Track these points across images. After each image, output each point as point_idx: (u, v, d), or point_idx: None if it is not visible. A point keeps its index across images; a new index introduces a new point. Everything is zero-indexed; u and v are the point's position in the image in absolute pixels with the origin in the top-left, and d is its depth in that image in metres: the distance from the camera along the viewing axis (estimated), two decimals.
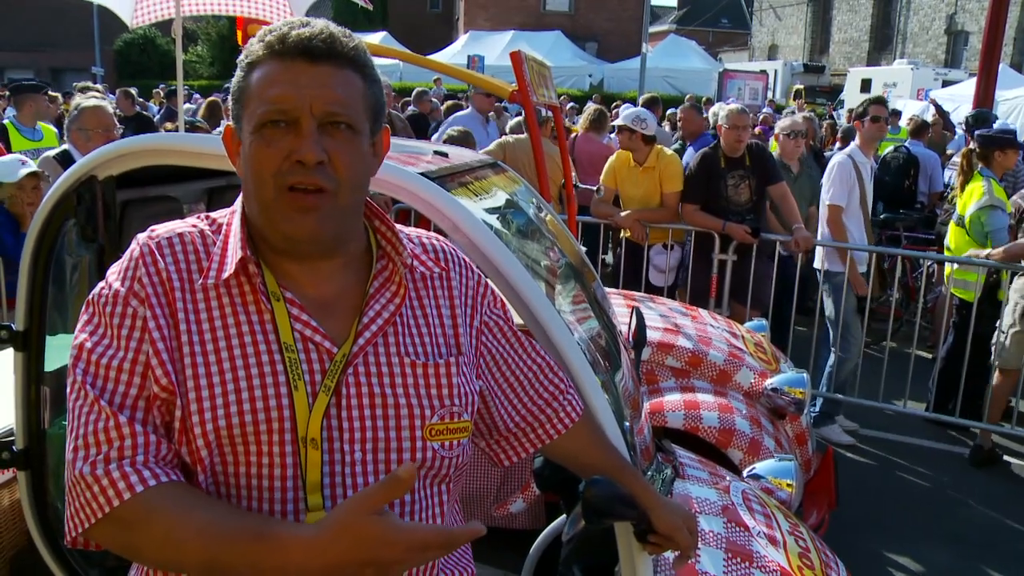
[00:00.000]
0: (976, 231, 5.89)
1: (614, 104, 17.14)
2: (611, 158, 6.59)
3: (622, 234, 6.67)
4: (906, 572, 4.38)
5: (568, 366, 1.83)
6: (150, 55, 34.26)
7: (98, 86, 12.36)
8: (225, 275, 1.33)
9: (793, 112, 11.93)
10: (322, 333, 1.34)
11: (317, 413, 1.31)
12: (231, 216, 1.42)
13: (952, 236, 6.18)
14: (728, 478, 2.79)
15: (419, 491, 1.41)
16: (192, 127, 5.00)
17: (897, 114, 15.07)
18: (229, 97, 1.40)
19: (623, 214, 6.38)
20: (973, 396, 6.14)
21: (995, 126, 7.84)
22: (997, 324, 5.77)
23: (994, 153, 6.06)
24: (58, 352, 2.25)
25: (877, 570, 4.36)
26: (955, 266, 6.06)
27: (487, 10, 36.86)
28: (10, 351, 2.22)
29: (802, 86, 30.97)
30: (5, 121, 6.72)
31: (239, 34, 3.71)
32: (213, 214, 1.46)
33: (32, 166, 4.67)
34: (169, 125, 8.57)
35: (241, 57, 1.37)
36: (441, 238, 1.59)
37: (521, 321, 1.82)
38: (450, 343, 1.47)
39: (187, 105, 14.94)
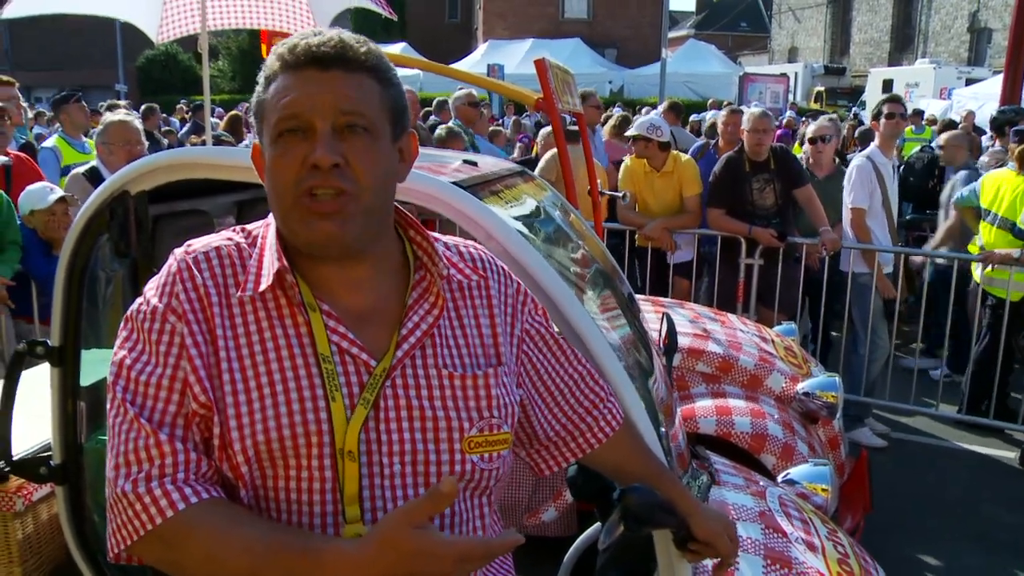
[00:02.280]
0: None
1: (636, 110, 17.13)
2: (626, 164, 6.57)
3: (637, 242, 6.62)
4: None
5: (605, 373, 1.82)
6: (172, 71, 34.60)
7: (121, 102, 12.49)
8: (262, 287, 1.33)
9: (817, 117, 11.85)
10: (359, 345, 1.34)
11: (355, 425, 1.30)
12: (265, 228, 1.43)
13: (991, 237, 6.06)
14: (763, 484, 2.77)
15: (459, 504, 1.40)
16: (218, 141, 5.03)
17: (920, 114, 14.96)
18: (251, 114, 1.40)
19: (650, 225, 6.35)
20: (1003, 397, 6.07)
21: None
22: None
23: None
24: (93, 367, 2.27)
25: (912, 574, 4.30)
26: (991, 266, 5.97)
27: (505, 19, 36.96)
28: (46, 367, 2.24)
29: (823, 88, 30.91)
30: (55, 137, 6.72)
31: (263, 47, 3.73)
32: (249, 226, 1.46)
33: (59, 192, 4.72)
34: (195, 139, 8.64)
35: (260, 73, 1.37)
36: (478, 246, 1.58)
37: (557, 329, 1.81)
38: (489, 353, 1.46)
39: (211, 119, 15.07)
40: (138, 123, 4.63)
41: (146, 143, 4.69)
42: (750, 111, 6.26)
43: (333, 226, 1.30)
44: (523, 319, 1.56)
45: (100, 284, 2.21)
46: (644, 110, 14.86)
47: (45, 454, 2.32)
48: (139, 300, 1.38)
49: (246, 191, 2.79)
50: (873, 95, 27.22)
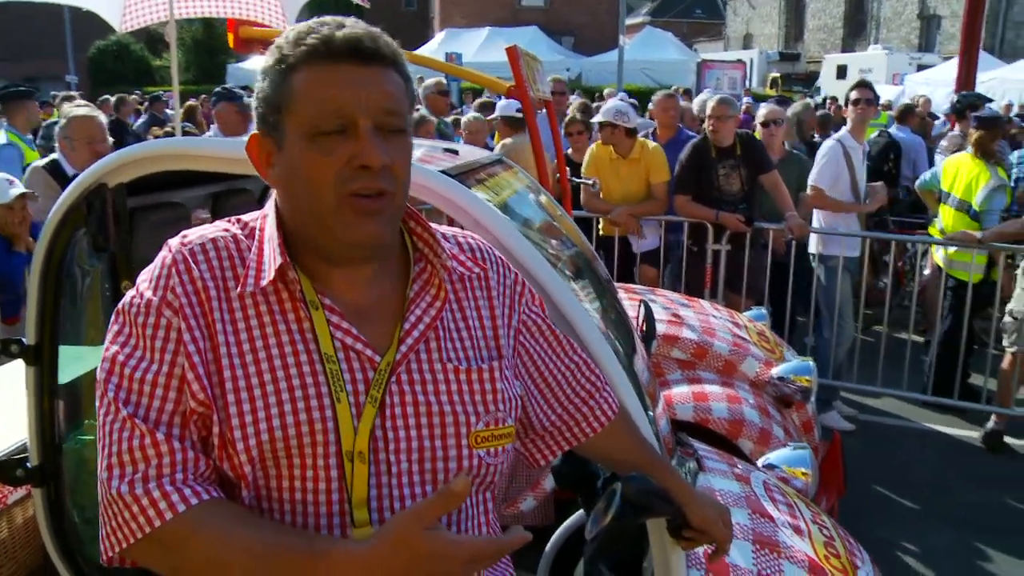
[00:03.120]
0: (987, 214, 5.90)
1: (596, 96, 17.13)
2: (590, 150, 6.56)
3: (602, 231, 6.61)
4: (913, 556, 4.38)
5: (599, 362, 1.81)
6: (124, 62, 33.91)
7: (74, 93, 12.22)
8: (264, 282, 1.29)
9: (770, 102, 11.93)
10: (364, 341, 1.31)
11: (365, 425, 1.27)
12: (263, 220, 1.38)
13: (950, 220, 6.18)
14: (747, 469, 2.78)
15: (466, 500, 1.38)
16: (184, 133, 4.93)
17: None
18: (258, 104, 1.33)
19: (616, 211, 6.34)
20: (965, 377, 6.18)
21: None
22: (1005, 307, 5.76)
23: (987, 133, 6.09)
24: (71, 364, 2.21)
25: (884, 555, 4.36)
26: (951, 249, 6.08)
27: (462, 7, 36.78)
28: (21, 365, 2.17)
29: (778, 74, 31.19)
30: (4, 133, 6.54)
31: (230, 36, 3.65)
32: (244, 217, 1.42)
33: (20, 187, 4.59)
34: (157, 131, 8.48)
35: (270, 62, 1.30)
36: (476, 236, 1.55)
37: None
38: (491, 346, 1.44)
39: (168, 111, 14.81)
40: (102, 118, 4.51)
41: (110, 139, 4.57)
42: (710, 98, 6.29)
43: (377, 226, 1.27)
44: (520, 310, 1.54)
45: (78, 280, 2.15)
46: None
47: (21, 455, 2.26)
48: (131, 293, 1.33)
49: (220, 183, 2.73)
50: (828, 81, 27.57)
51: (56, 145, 4.73)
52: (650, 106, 13.83)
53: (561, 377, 1.62)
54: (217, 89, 6.13)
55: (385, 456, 1.29)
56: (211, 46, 32.08)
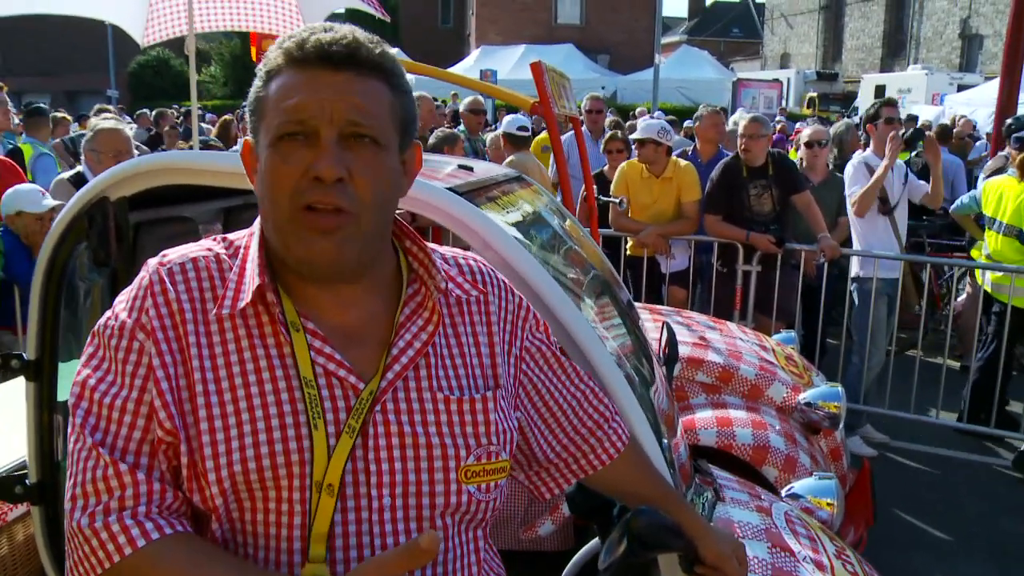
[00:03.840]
0: None
1: (630, 114, 17.04)
2: (622, 168, 6.47)
3: (630, 251, 6.51)
4: None
5: (609, 390, 1.73)
6: (164, 77, 34.47)
7: (109, 107, 12.38)
8: (241, 304, 1.23)
9: (809, 121, 11.80)
10: (346, 367, 1.23)
11: (340, 456, 1.20)
12: (249, 238, 1.32)
13: (997, 245, 6.00)
14: (769, 499, 2.68)
15: (453, 538, 1.30)
16: (205, 146, 4.93)
17: (913, 120, 14.92)
18: (246, 110, 1.30)
19: (646, 231, 6.25)
20: (1003, 404, 6.00)
21: None
22: None
23: None
24: (72, 381, 2.16)
25: None
26: (997, 273, 5.91)
27: (498, 24, 36.90)
28: (22, 381, 2.14)
29: (816, 94, 30.93)
30: (49, 147, 6.68)
31: (252, 50, 3.63)
32: (231, 236, 1.36)
33: (51, 200, 4.61)
34: (183, 144, 8.54)
35: (259, 66, 1.27)
36: (478, 258, 1.47)
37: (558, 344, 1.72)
38: (487, 374, 1.36)
39: (202, 125, 14.98)
40: (128, 130, 4.52)
41: (136, 152, 4.58)
42: (742, 116, 6.20)
43: (330, 245, 1.19)
44: (523, 336, 1.46)
45: (79, 294, 2.11)
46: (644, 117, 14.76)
47: (20, 472, 2.22)
48: (108, 314, 1.27)
49: (233, 197, 2.69)
50: (866, 101, 27.24)
51: (83, 157, 4.74)
52: (687, 123, 13.73)
53: (567, 406, 1.54)
54: (243, 104, 6.13)
55: (366, 489, 1.22)
56: (248, 61, 32.47)
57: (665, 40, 36.79)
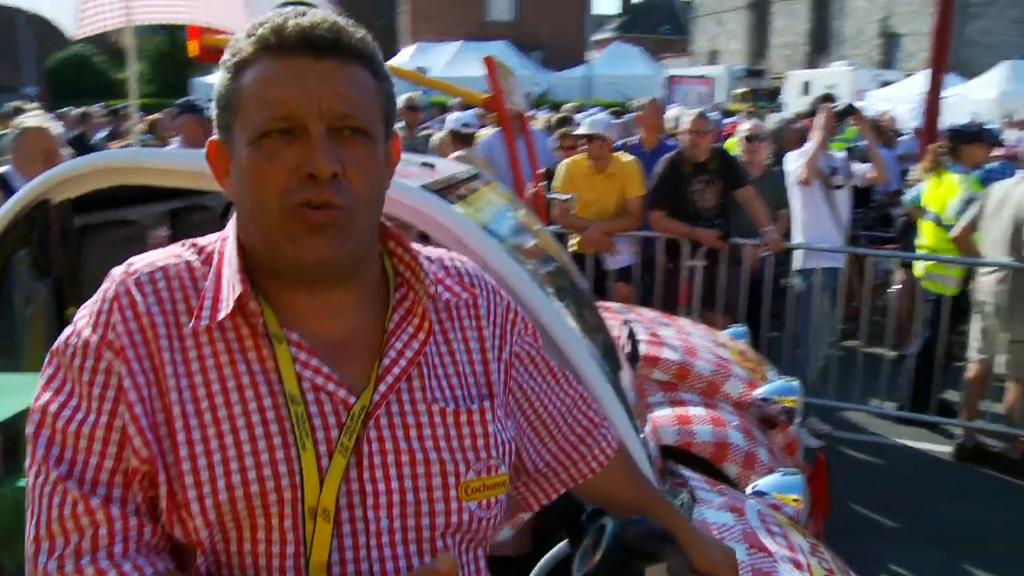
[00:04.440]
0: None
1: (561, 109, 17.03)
2: (564, 164, 6.42)
3: (575, 248, 6.46)
4: None
5: (594, 393, 1.66)
6: (86, 74, 33.30)
7: (29, 105, 11.89)
8: (221, 315, 1.11)
9: (745, 116, 11.92)
10: (335, 380, 1.13)
11: (334, 478, 1.10)
12: (222, 243, 1.20)
13: (928, 234, 6.15)
14: (740, 498, 2.65)
15: (457, 560, 1.21)
16: (143, 146, 4.75)
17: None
18: (212, 105, 1.18)
19: (591, 228, 6.20)
20: (941, 392, 6.14)
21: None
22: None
23: (961, 147, 6.08)
24: (9, 398, 2.00)
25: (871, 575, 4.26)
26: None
27: (431, 21, 36.64)
28: None
29: (744, 90, 31.41)
30: None
31: (191, 44, 3.48)
32: (200, 241, 1.24)
33: None
34: (115, 144, 8.24)
35: (225, 57, 1.15)
36: (463, 258, 1.38)
37: None
38: (480, 383, 1.27)
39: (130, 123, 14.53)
40: (56, 128, 4.30)
41: (66, 150, 4.36)
42: (682, 112, 6.22)
43: (327, 243, 1.10)
44: (513, 340, 1.37)
45: (17, 306, 1.95)
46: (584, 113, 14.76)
47: None
48: (68, 331, 1.15)
49: (178, 199, 2.55)
50: (792, 96, 27.77)
51: (9, 158, 4.50)
52: (626, 117, 13.79)
53: (557, 414, 1.46)
54: (179, 101, 5.93)
55: (362, 512, 1.12)
56: (176, 58, 31.53)
57: (596, 37, 37.00)
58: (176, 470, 1.08)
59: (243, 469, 1.08)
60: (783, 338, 6.55)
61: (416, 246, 1.30)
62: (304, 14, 1.12)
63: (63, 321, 1.92)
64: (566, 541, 2.39)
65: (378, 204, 1.18)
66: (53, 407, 1.10)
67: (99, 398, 1.09)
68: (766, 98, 31.48)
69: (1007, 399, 5.64)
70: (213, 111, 1.18)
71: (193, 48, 3.45)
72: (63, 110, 13.31)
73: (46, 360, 1.15)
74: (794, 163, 6.06)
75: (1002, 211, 5.41)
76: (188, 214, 2.56)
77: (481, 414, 1.24)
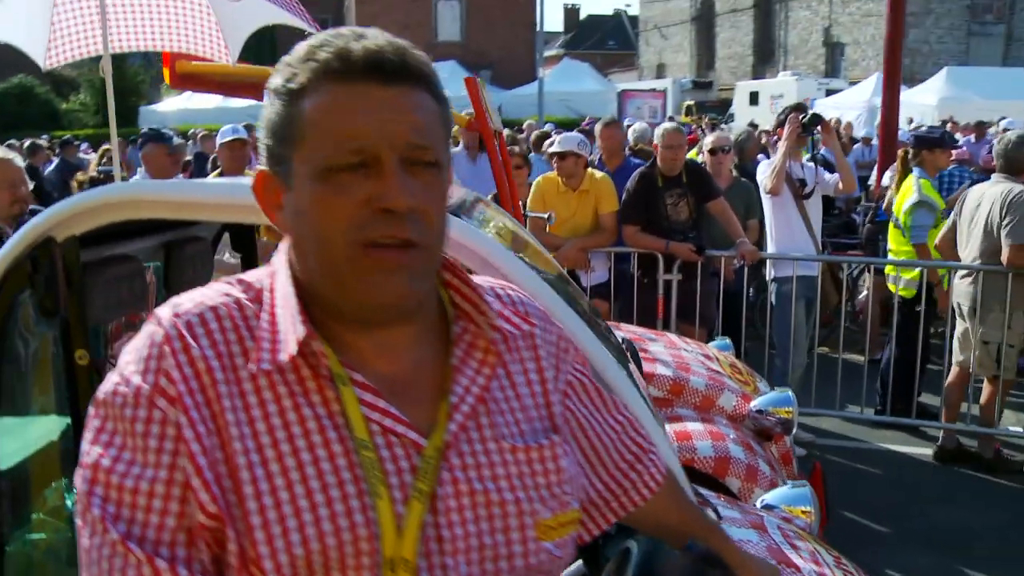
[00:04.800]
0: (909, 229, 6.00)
1: (516, 128, 17.06)
2: (538, 182, 6.40)
3: None
4: None
5: (638, 417, 1.61)
6: (29, 105, 32.62)
7: None
8: (283, 357, 1.04)
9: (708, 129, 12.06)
10: (404, 422, 1.07)
11: (413, 526, 1.04)
12: (270, 279, 1.13)
13: (892, 238, 6.26)
14: (759, 514, 2.61)
15: None
16: (108, 176, 4.60)
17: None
18: (264, 135, 1.10)
19: (566, 246, 6.16)
20: (917, 395, 6.22)
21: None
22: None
23: (922, 152, 6.18)
24: (14, 444, 1.90)
25: None
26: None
27: None
28: None
29: (692, 102, 31.82)
30: None
31: (166, 72, 3.39)
32: (246, 277, 1.17)
33: None
34: (82, 176, 8.01)
35: (277, 83, 1.08)
36: (512, 286, 1.33)
37: None
38: (543, 416, 1.21)
39: (80, 155, 14.27)
40: (19, 160, 4.16)
41: (30, 183, 4.22)
42: (664, 127, 6.22)
43: (401, 284, 1.03)
44: (566, 369, 1.32)
45: (21, 350, 1.85)
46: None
47: None
48: (114, 380, 1.06)
49: (173, 231, 2.46)
50: (741, 107, 28.26)
51: None
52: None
53: (608, 441, 1.41)
54: (144, 130, 5.81)
55: (440, 560, 1.05)
56: (121, 87, 31.00)
57: (544, 54, 37.21)
58: (245, 525, 1.00)
59: (317, 521, 1.01)
60: (761, 348, 6.58)
61: (471, 276, 1.25)
62: (364, 36, 1.07)
63: (72, 365, 1.83)
64: (580, 562, 2.34)
65: (445, 237, 1.13)
66: (106, 461, 1.02)
67: (156, 451, 1.01)
68: (715, 110, 32.01)
69: (982, 399, 5.71)
70: (263, 141, 1.12)
71: (167, 75, 3.35)
72: (9, 142, 13.01)
73: (91, 410, 1.07)
74: (763, 173, 6.11)
75: (978, 213, 5.50)
76: (181, 246, 2.47)
77: (552, 449, 1.18)
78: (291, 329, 1.06)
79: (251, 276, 1.17)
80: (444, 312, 1.20)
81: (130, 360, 1.06)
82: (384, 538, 1.02)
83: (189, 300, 1.11)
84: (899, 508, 5.11)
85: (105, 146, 11.23)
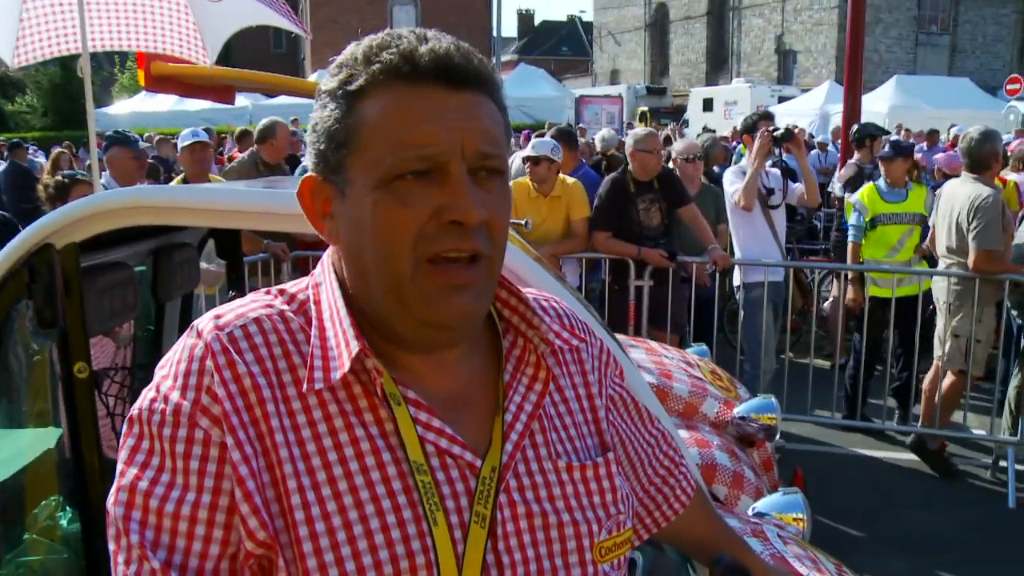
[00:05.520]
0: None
1: None
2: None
3: None
4: None
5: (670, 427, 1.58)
6: None
7: None
8: (336, 376, 0.99)
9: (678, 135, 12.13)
10: (460, 442, 1.02)
11: (474, 552, 0.99)
12: (315, 290, 1.08)
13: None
14: (755, 521, 2.60)
15: None
16: (74, 180, 4.46)
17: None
18: (316, 139, 1.04)
19: (538, 252, 6.11)
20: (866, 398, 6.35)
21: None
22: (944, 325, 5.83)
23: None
24: (8, 452, 1.81)
25: None
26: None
27: (333, 48, 36.06)
28: None
29: (647, 108, 32.08)
30: None
31: (140, 73, 3.29)
32: (288, 288, 1.11)
33: None
34: (48, 179, 7.76)
35: (329, 85, 1.02)
36: (556, 298, 1.29)
37: None
38: (593, 431, 1.18)
39: (31, 159, 13.93)
40: None
41: None
42: (635, 132, 6.21)
43: (468, 303, 0.99)
44: (608, 384, 1.28)
45: (16, 362, 1.77)
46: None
47: None
48: (150, 395, 0.99)
49: (160, 237, 2.38)
50: (695, 113, 28.55)
51: None
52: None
53: (644, 455, 1.38)
54: (109, 133, 5.66)
55: None
56: (70, 90, 30.40)
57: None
58: (296, 552, 0.95)
59: (373, 549, 0.96)
60: (728, 353, 6.61)
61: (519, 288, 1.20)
62: (428, 38, 1.01)
63: (71, 376, 1.75)
64: None
65: (506, 250, 1.08)
66: (143, 484, 0.96)
67: (199, 473, 0.95)
68: (670, 116, 32.29)
69: (943, 389, 5.75)
70: (313, 145, 1.06)
71: (142, 77, 3.25)
72: None
73: (124, 428, 1.00)
74: (731, 185, 6.11)
75: (949, 211, 5.60)
76: (168, 252, 2.39)
77: (606, 467, 1.15)
78: (343, 345, 1.01)
79: (293, 287, 1.12)
80: (493, 326, 1.15)
81: (167, 375, 1.00)
82: (442, 566, 0.97)
83: (230, 311, 1.05)
84: (872, 512, 5.16)
85: (56, 150, 10.96)
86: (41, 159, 14.16)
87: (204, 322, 1.03)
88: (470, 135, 0.98)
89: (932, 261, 6.34)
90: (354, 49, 1.04)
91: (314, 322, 1.05)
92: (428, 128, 0.96)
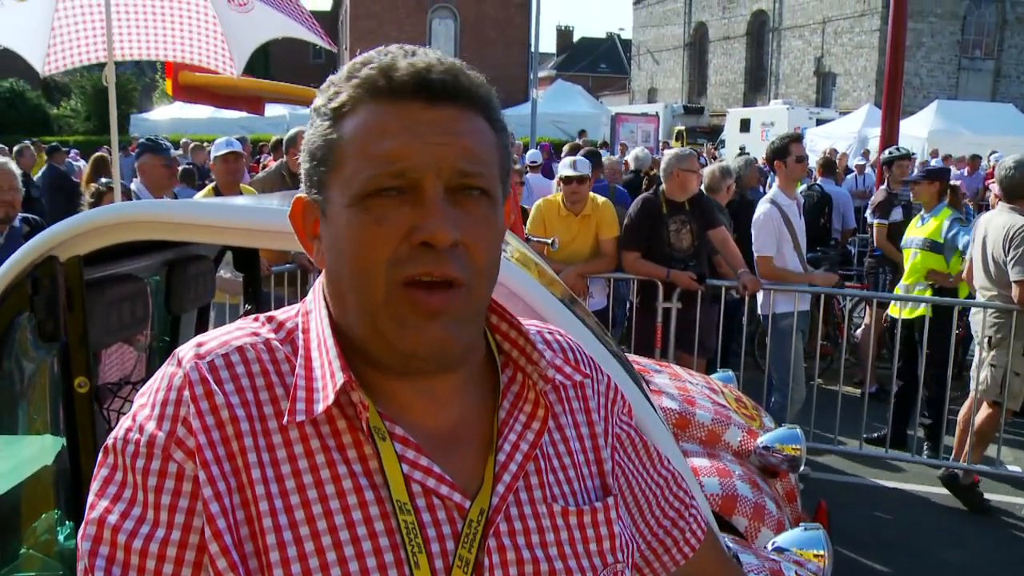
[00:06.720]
0: None
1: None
2: (538, 205, 6.33)
3: None
4: None
5: (681, 467, 1.52)
6: (20, 110, 32.41)
7: None
8: (319, 408, 0.94)
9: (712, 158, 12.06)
10: (448, 482, 0.96)
11: None
12: (304, 318, 1.03)
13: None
14: (774, 558, 2.52)
15: None
16: (109, 188, 4.48)
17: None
18: (304, 156, 1.01)
19: (565, 271, 6.07)
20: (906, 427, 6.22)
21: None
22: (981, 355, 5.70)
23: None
24: (7, 465, 1.78)
25: None
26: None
27: None
28: None
29: (683, 127, 31.96)
30: None
31: (168, 82, 3.29)
32: (277, 315, 1.07)
33: None
34: (94, 186, 7.83)
35: (320, 102, 0.98)
36: (559, 330, 1.23)
37: None
38: (594, 473, 1.12)
39: (70, 162, 14.12)
40: (12, 164, 4.05)
41: (21, 188, 4.10)
42: (676, 152, 6.14)
43: (441, 331, 0.93)
44: (614, 422, 1.22)
45: (17, 375, 1.74)
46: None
47: None
48: (126, 424, 0.95)
49: (174, 249, 2.36)
50: (732, 134, 28.39)
51: None
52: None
53: (652, 497, 1.31)
54: (141, 140, 5.68)
55: None
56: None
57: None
58: None
59: None
60: (756, 379, 6.50)
61: (518, 319, 1.15)
62: (415, 53, 0.97)
63: (72, 392, 1.72)
64: None
65: (495, 277, 1.02)
66: (112, 518, 0.91)
67: (169, 508, 0.91)
68: (706, 135, 32.16)
69: (978, 421, 5.61)
70: (303, 165, 1.02)
71: (169, 86, 3.25)
72: None
73: (99, 457, 0.96)
74: (760, 229, 5.95)
75: (985, 242, 5.48)
76: (183, 265, 2.36)
77: (605, 512, 1.08)
78: (328, 376, 0.96)
79: (282, 314, 1.07)
80: (491, 359, 1.10)
81: (145, 403, 0.96)
82: None
83: (213, 339, 1.00)
84: (898, 547, 5.03)
85: (97, 154, 11.08)
86: (81, 163, 14.34)
87: (185, 350, 0.99)
88: (447, 151, 0.92)
89: (944, 291, 6.22)
90: (344, 67, 1.00)
91: (300, 351, 1.00)
92: (402, 143, 0.92)
